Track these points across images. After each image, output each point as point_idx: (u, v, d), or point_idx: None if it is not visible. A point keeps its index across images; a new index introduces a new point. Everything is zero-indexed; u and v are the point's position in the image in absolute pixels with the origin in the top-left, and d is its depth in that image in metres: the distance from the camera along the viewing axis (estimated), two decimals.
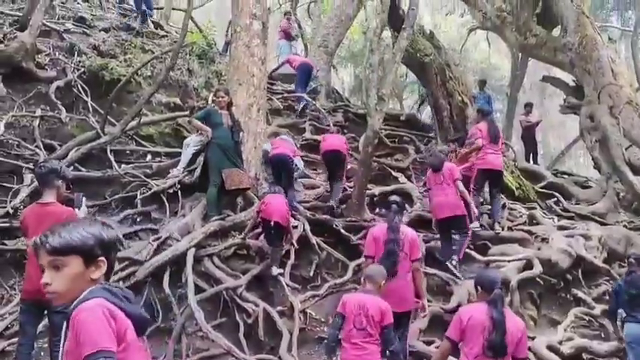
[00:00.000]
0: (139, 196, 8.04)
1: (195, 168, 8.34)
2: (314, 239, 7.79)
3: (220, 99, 7.87)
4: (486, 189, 8.54)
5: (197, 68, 11.55)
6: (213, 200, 7.65)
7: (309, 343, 6.48)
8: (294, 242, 7.44)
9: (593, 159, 11.46)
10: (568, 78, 13.94)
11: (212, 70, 11.63)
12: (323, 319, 6.89)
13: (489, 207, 8.56)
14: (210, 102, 8.90)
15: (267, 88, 12.16)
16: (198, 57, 11.58)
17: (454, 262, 7.27)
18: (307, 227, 7.85)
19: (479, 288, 3.95)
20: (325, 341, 4.81)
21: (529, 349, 5.91)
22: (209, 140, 7.71)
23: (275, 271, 7.05)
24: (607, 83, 11.50)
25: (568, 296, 7.31)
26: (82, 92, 9.50)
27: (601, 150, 10.88)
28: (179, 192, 8.17)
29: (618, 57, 14.01)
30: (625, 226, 8.99)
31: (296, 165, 8.89)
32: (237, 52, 8.81)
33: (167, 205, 7.96)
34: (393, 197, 5.86)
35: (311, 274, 7.56)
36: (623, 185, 10.06)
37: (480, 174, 8.16)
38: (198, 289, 6.76)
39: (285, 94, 12.57)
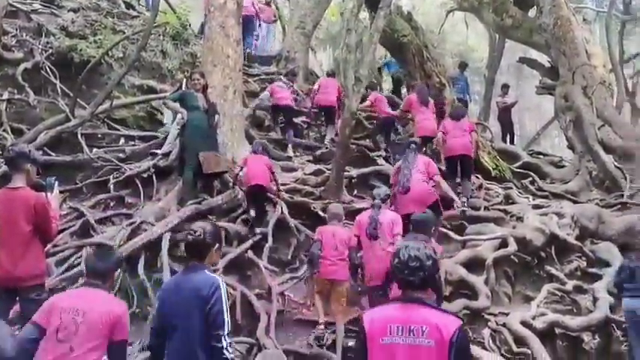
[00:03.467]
0: (111, 181, 7.93)
1: (171, 152, 8.24)
2: (292, 222, 7.77)
3: (195, 81, 7.76)
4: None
5: (171, 50, 11.35)
6: (190, 184, 7.57)
7: (288, 325, 6.48)
8: (279, 198, 7.79)
9: (567, 139, 11.59)
10: (544, 59, 14.02)
11: (187, 52, 11.45)
12: (302, 301, 6.90)
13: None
14: (184, 85, 8.79)
15: (244, 70, 12.07)
16: (172, 38, 11.39)
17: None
18: (285, 210, 7.82)
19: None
20: (309, 256, 6.09)
21: (504, 325, 6.08)
22: (184, 123, 7.61)
23: (258, 230, 7.35)
24: (581, 64, 11.60)
25: (542, 273, 7.41)
26: (51, 74, 9.29)
27: (575, 130, 11.00)
28: (154, 176, 8.07)
29: (592, 38, 14.12)
30: (597, 203, 9.11)
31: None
32: (211, 33, 8.67)
33: (141, 189, 7.87)
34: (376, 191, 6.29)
35: (289, 256, 7.55)
36: (596, 164, 10.20)
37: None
38: (174, 273, 6.72)
39: (263, 76, 12.43)
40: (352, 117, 7.71)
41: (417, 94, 9.33)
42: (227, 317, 3.07)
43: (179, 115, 7.78)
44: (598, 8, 19.31)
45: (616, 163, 9.91)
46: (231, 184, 7.92)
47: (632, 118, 17.22)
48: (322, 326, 5.90)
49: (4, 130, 8.18)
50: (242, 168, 7.66)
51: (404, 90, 13.13)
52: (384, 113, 10.10)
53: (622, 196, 9.36)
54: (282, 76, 11.68)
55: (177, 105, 7.67)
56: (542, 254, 7.58)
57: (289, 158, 9.52)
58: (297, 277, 7.04)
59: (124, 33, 10.47)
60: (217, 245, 3.36)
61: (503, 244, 7.30)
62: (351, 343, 6.01)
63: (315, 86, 10.90)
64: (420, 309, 2.63)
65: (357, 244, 5.79)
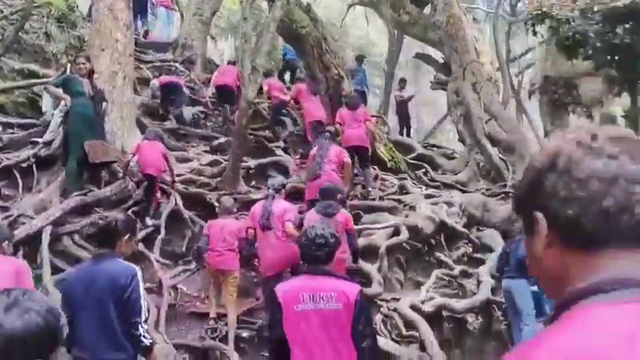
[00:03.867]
0: None
1: (53, 140, 7.70)
2: (187, 213, 7.56)
3: (80, 66, 7.31)
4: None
5: (56, 33, 10.60)
6: (74, 174, 7.13)
7: (182, 319, 6.30)
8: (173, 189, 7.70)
9: (458, 132, 12.16)
10: (438, 55, 14.61)
11: (74, 35, 10.74)
12: (196, 294, 6.73)
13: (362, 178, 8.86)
14: (69, 70, 8.24)
15: (137, 56, 11.52)
16: (57, 20, 10.62)
17: None
18: (180, 201, 7.59)
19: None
20: (196, 250, 6.32)
21: (394, 310, 6.26)
22: (68, 110, 7.13)
23: (149, 221, 7.24)
24: (471, 61, 12.19)
25: (432, 259, 7.72)
26: None
27: (465, 123, 11.56)
28: (34, 166, 7.51)
29: (482, 37, 14.91)
30: (483, 193, 9.66)
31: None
32: (99, 16, 8.20)
33: (20, 180, 7.29)
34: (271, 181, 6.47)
35: (184, 248, 7.35)
36: (483, 156, 10.79)
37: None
38: (58, 270, 6.32)
39: (158, 64, 11.94)
40: (249, 106, 7.60)
41: (307, 84, 9.61)
42: (144, 305, 3.12)
43: (62, 102, 7.29)
44: (487, 9, 20.39)
45: (500, 155, 10.52)
46: (120, 175, 7.55)
47: (517, 113, 18.48)
48: (212, 321, 5.85)
49: None
50: (134, 155, 7.37)
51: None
52: (275, 98, 10.16)
53: (505, 186, 9.96)
54: (177, 64, 11.30)
55: (59, 91, 7.17)
56: (433, 241, 7.89)
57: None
58: (190, 270, 6.86)
59: (2, 12, 9.64)
60: (128, 235, 3.33)
61: (396, 232, 7.51)
62: (245, 334, 5.97)
63: (215, 73, 10.84)
64: (326, 279, 3.07)
65: (254, 235, 5.81)
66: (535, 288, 5.99)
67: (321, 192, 5.82)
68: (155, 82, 10.13)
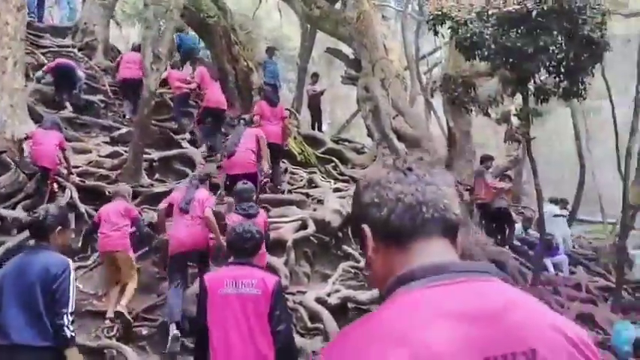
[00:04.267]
0: None
1: None
2: (83, 207, 7.17)
3: None
4: None
5: None
6: None
7: (77, 318, 5.97)
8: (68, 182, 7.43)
9: (367, 127, 12.38)
10: (349, 51, 14.78)
11: None
12: (92, 292, 6.40)
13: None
14: None
15: (33, 41, 10.81)
16: None
17: None
18: (75, 195, 7.18)
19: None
20: (85, 233, 6.47)
21: (300, 303, 6.28)
22: None
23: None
24: (380, 57, 12.41)
25: (339, 252, 7.82)
26: None
27: (373, 119, 11.78)
28: None
29: (391, 34, 15.27)
30: None
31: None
32: None
33: None
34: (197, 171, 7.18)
35: (79, 244, 6.95)
36: (390, 151, 11.06)
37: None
38: None
39: (55, 49, 11.23)
40: (152, 97, 7.32)
41: (208, 69, 9.53)
42: (72, 297, 3.20)
43: None
44: (397, 7, 20.95)
45: (407, 150, 10.83)
46: (12, 166, 7.04)
47: (425, 110, 19.14)
48: (108, 320, 5.66)
49: None
50: (27, 138, 7.16)
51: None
52: (177, 89, 9.94)
53: None
54: (76, 50, 10.69)
55: None
56: (340, 234, 7.98)
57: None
58: (87, 267, 6.52)
59: None
60: (60, 227, 3.41)
61: (304, 225, 7.53)
62: (145, 331, 5.77)
63: (118, 61, 10.33)
64: (249, 268, 3.50)
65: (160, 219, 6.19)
66: None
67: (238, 193, 5.89)
68: (43, 71, 9.55)
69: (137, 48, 10.63)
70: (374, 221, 1.04)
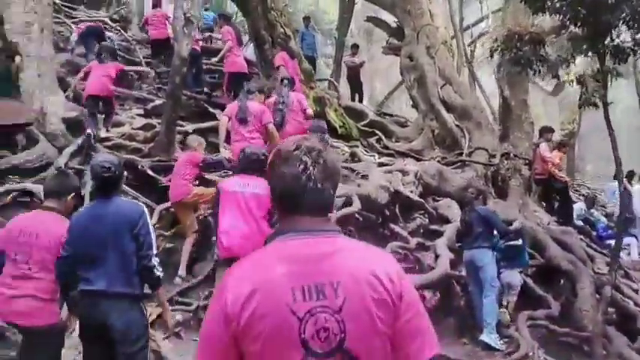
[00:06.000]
0: None
1: None
2: None
3: None
4: None
5: None
6: None
7: None
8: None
9: (411, 97, 11.69)
10: (391, 19, 14.02)
11: None
12: None
13: None
14: None
15: (66, 13, 10.48)
16: None
17: None
18: None
19: None
20: None
21: None
22: None
23: (103, 132, 7.44)
24: (425, 24, 11.66)
25: (386, 231, 7.24)
26: None
27: (418, 89, 11.08)
28: None
29: (435, 1, 14.37)
30: (438, 161, 9.23)
31: None
32: None
33: None
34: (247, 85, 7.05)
35: None
36: (437, 123, 10.36)
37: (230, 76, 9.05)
38: None
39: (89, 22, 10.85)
40: (183, 63, 6.81)
41: (234, 30, 9.26)
42: (154, 239, 3.24)
43: None
44: None
45: (456, 122, 10.11)
46: (40, 138, 6.68)
47: (469, 83, 18.18)
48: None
49: None
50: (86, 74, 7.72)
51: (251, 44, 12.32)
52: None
53: (461, 154, 9.57)
54: (110, 22, 10.31)
55: None
56: (387, 212, 7.40)
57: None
58: None
59: None
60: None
61: (348, 202, 6.95)
62: (178, 316, 5.34)
63: (143, 21, 10.39)
64: (254, 177, 4.45)
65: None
66: (519, 242, 6.17)
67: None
68: (74, 35, 9.23)
69: (157, 4, 10.21)
70: (274, 191, 1.52)
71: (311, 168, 1.39)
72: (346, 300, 1.30)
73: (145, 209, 3.31)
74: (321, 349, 1.28)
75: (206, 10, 13.15)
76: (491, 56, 6.40)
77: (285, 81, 7.23)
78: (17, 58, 6.54)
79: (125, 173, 3.82)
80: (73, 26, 10.23)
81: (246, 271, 1.36)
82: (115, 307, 3.10)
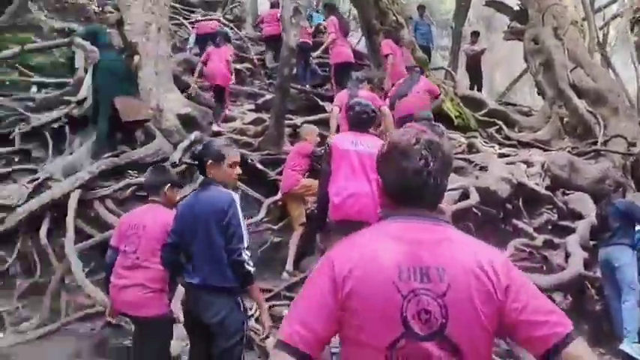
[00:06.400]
0: (16, 132, 6.82)
1: (86, 99, 7.12)
2: None
3: (108, 14, 6.71)
4: None
5: None
6: (104, 135, 6.55)
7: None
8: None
9: (536, 84, 10.74)
10: (513, 2, 13.08)
11: None
12: None
13: None
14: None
15: (185, 16, 10.90)
16: None
17: None
18: None
19: None
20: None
21: None
22: (96, 64, 6.51)
23: (215, 127, 7.60)
24: (551, 3, 10.67)
25: (508, 227, 6.63)
26: None
27: (545, 74, 10.15)
28: (66, 127, 6.99)
29: None
30: (569, 151, 8.34)
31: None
32: None
33: (50, 142, 6.78)
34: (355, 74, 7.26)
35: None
36: (567, 110, 9.39)
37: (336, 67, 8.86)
38: (87, 237, 5.76)
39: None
40: (292, 54, 6.70)
41: (340, 20, 9.06)
42: (245, 231, 3.01)
43: (91, 55, 6.67)
44: None
45: (588, 108, 9.11)
46: (157, 134, 6.91)
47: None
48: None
49: None
50: (205, 63, 8.24)
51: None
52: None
53: (595, 143, 8.59)
54: (223, 20, 10.57)
55: (87, 43, 6.55)
56: (509, 206, 6.78)
57: None
58: None
59: None
60: (211, 161, 3.20)
61: (465, 195, 6.45)
62: (286, 311, 5.19)
63: (258, 20, 10.66)
64: (366, 134, 4.29)
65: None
66: None
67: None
68: (192, 37, 9.61)
69: (275, 4, 10.29)
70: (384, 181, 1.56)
71: (431, 163, 1.38)
72: (450, 287, 1.30)
73: (236, 198, 3.06)
74: (421, 330, 1.28)
75: (317, 12, 13.17)
76: (632, 30, 5.56)
77: (417, 69, 7.48)
78: (136, 58, 6.79)
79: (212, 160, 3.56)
80: (190, 27, 10.63)
81: (356, 243, 1.40)
82: (210, 300, 3.02)
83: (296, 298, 1.42)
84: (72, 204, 5.80)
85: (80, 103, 7.17)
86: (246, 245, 3.00)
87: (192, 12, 11.64)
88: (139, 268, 3.39)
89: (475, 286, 1.29)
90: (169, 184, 3.66)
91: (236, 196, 3.08)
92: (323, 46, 9.22)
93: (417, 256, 1.32)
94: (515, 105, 12.86)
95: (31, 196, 5.84)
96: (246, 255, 2.97)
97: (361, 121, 4.27)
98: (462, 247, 1.37)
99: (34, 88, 7.90)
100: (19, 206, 5.72)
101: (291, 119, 7.74)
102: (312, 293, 1.36)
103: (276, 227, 6.27)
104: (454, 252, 1.34)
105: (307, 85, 9.50)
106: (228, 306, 3.01)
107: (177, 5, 11.49)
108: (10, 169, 6.45)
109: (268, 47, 10.41)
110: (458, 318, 1.28)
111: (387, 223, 1.41)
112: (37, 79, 8.02)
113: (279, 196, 6.32)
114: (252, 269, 3.00)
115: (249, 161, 6.88)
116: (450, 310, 1.28)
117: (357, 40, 11.86)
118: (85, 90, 7.18)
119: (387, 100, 7.29)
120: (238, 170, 3.20)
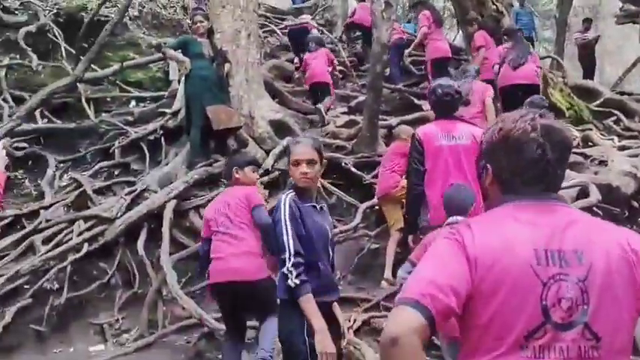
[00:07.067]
0: (116, 146, 7.02)
1: (180, 109, 7.21)
2: (321, 182, 6.58)
3: (198, 24, 6.71)
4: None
5: (194, 6, 10.32)
6: (197, 144, 6.55)
7: None
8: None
9: None
10: None
11: None
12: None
13: None
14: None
15: (276, 24, 10.92)
16: None
17: None
18: None
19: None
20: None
21: None
22: (187, 74, 6.55)
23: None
24: None
25: (634, 227, 5.84)
26: (58, 37, 8.49)
27: None
28: (162, 138, 7.10)
29: None
30: None
31: None
32: None
33: (147, 154, 6.91)
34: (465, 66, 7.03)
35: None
36: None
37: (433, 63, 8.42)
38: (183, 247, 5.76)
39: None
40: (384, 50, 6.35)
41: (432, 13, 8.58)
42: (287, 239, 2.60)
43: (182, 65, 6.72)
44: None
45: None
46: (249, 142, 6.83)
47: None
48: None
49: (3, 99, 7.47)
50: (297, 69, 8.72)
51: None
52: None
53: None
54: (314, 24, 10.45)
55: (178, 54, 6.60)
56: (635, 204, 6.05)
57: None
58: None
59: None
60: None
61: (584, 192, 5.77)
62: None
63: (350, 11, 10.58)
64: (457, 122, 3.99)
65: None
66: None
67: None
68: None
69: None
70: (495, 169, 1.47)
71: (549, 152, 1.32)
72: (591, 270, 1.23)
73: (282, 202, 2.65)
74: (561, 319, 1.21)
75: (408, 22, 12.78)
76: None
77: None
78: (227, 66, 6.76)
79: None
80: (281, 34, 10.62)
81: (484, 224, 1.32)
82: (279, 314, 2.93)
83: (423, 261, 1.29)
84: (167, 214, 5.81)
85: (175, 114, 7.27)
86: (288, 254, 2.58)
87: (283, 19, 11.65)
88: (237, 240, 3.71)
89: (616, 268, 1.23)
90: (238, 166, 3.98)
91: (286, 198, 2.65)
92: (414, 43, 8.77)
93: (552, 239, 1.25)
94: (631, 94, 11.65)
95: (129, 208, 5.92)
96: (290, 265, 2.56)
97: (445, 105, 3.95)
98: (594, 227, 1.31)
99: (132, 103, 8.14)
100: (117, 218, 5.80)
101: (385, 120, 7.39)
102: (447, 261, 1.24)
103: (372, 233, 5.91)
104: (589, 233, 1.27)
105: (401, 85, 9.08)
106: (287, 320, 2.69)
107: (268, 14, 11.55)
108: (110, 182, 6.62)
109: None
110: (600, 304, 1.21)
111: (514, 205, 1.32)
112: (135, 94, 8.26)
113: (375, 200, 5.97)
114: (296, 282, 2.55)
115: (344, 165, 6.61)
116: (592, 296, 1.21)
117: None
118: (179, 101, 7.28)
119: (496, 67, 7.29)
120: (304, 169, 2.64)
